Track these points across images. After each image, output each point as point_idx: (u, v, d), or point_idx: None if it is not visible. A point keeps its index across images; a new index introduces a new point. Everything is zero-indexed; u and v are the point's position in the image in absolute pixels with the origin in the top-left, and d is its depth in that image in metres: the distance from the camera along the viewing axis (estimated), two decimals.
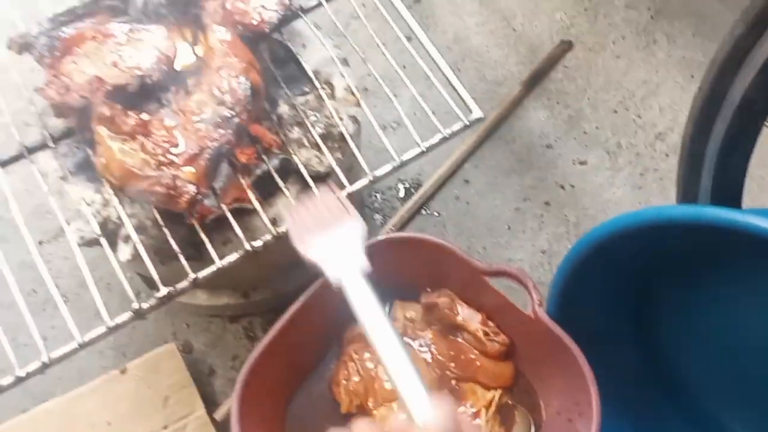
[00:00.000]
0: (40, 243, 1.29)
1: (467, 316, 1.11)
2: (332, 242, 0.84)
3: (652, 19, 1.52)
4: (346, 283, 0.78)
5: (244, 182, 0.91)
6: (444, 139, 0.92)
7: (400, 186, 1.36)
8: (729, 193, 0.97)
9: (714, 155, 0.93)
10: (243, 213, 0.97)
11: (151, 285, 1.17)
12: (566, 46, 1.49)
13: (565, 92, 1.45)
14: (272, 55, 1.03)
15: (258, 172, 1.00)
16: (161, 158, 0.83)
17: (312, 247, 0.84)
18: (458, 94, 0.95)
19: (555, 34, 1.50)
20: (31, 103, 0.92)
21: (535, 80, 1.45)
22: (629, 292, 1.06)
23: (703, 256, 0.94)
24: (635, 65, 1.48)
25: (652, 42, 1.50)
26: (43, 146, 0.89)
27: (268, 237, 0.86)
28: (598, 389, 0.97)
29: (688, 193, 0.99)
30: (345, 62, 1.05)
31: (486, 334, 1.10)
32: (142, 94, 0.88)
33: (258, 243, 0.85)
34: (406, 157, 0.90)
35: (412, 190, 1.35)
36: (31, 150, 0.89)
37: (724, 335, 1.00)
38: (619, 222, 0.88)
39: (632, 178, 1.38)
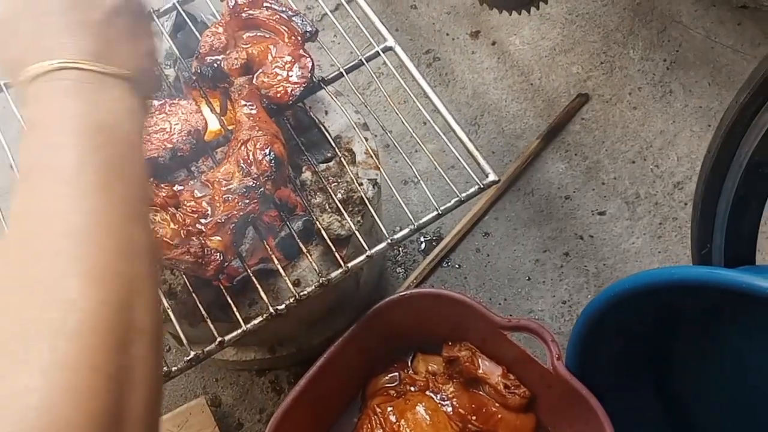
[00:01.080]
0: None
1: (488, 369, 1.14)
2: None
3: (668, 70, 1.55)
4: None
5: (268, 245, 0.95)
6: (459, 202, 0.95)
7: (422, 239, 1.40)
8: (742, 251, 0.99)
9: (725, 214, 0.95)
10: (267, 274, 1.01)
11: (179, 341, 1.21)
12: (583, 99, 1.52)
13: (582, 144, 1.48)
14: (296, 121, 1.08)
15: (282, 234, 1.04)
16: (190, 228, 0.87)
17: None
18: (473, 158, 0.98)
19: (572, 88, 1.54)
20: None
21: (553, 133, 1.48)
22: (646, 343, 1.07)
23: (717, 309, 0.96)
24: (652, 116, 1.50)
25: (668, 92, 1.53)
26: None
27: (291, 300, 0.90)
28: None
29: (702, 250, 1.01)
30: (365, 127, 1.10)
31: (507, 386, 1.12)
32: (173, 165, 0.94)
33: (281, 307, 0.89)
34: (422, 221, 0.94)
35: (434, 243, 1.39)
36: None
37: (741, 384, 1.01)
38: (632, 282, 0.90)
39: (651, 227, 1.39)
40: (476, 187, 0.96)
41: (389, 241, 0.93)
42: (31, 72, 0.51)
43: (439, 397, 1.15)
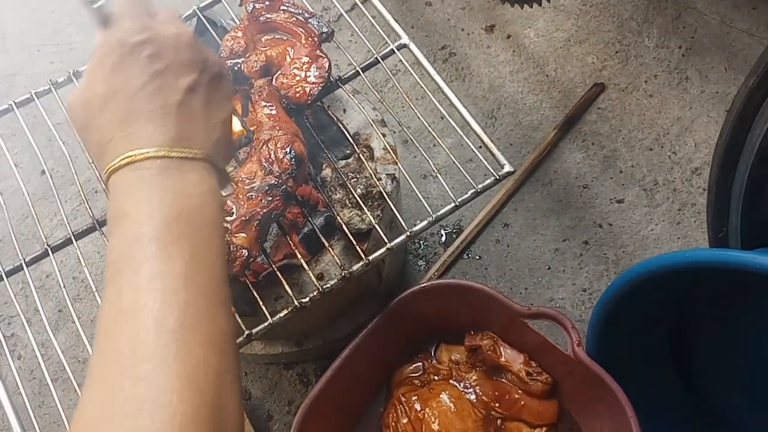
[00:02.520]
0: None
1: (510, 357, 1.16)
2: None
3: (683, 57, 1.55)
4: None
5: (292, 241, 0.99)
6: (476, 194, 0.98)
7: (442, 232, 1.42)
8: (758, 233, 1.00)
9: (740, 198, 0.96)
10: (292, 269, 1.04)
11: None
12: (599, 88, 1.53)
13: (599, 133, 1.49)
14: (315, 120, 1.11)
15: (305, 230, 1.08)
16: None
17: None
18: (489, 150, 1.00)
19: (587, 78, 1.55)
20: (100, 180, 1.02)
21: (569, 123, 1.50)
22: (665, 327, 1.09)
23: (735, 290, 0.97)
24: (668, 103, 1.51)
25: (684, 79, 1.53)
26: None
27: (315, 293, 0.93)
28: (639, 425, 1.00)
29: (718, 234, 1.03)
30: (382, 123, 1.12)
31: (529, 374, 1.14)
32: None
33: (305, 300, 0.92)
34: (440, 212, 0.96)
35: (454, 236, 1.41)
36: (102, 223, 0.98)
37: (761, 367, 1.02)
38: (648, 265, 0.92)
39: (670, 214, 1.40)
40: (492, 178, 0.98)
41: (408, 233, 0.96)
42: (116, 163, 0.53)
43: (462, 386, 1.17)
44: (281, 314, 0.92)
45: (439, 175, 0.99)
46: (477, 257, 1.39)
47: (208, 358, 0.47)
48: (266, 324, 0.91)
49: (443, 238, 1.42)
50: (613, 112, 1.51)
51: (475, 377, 1.17)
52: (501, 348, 1.16)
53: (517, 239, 1.40)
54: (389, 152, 1.09)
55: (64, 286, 0.96)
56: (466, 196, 0.98)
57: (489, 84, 1.58)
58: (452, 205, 0.97)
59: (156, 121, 0.55)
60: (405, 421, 1.13)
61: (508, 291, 1.34)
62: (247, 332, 0.91)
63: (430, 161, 1.00)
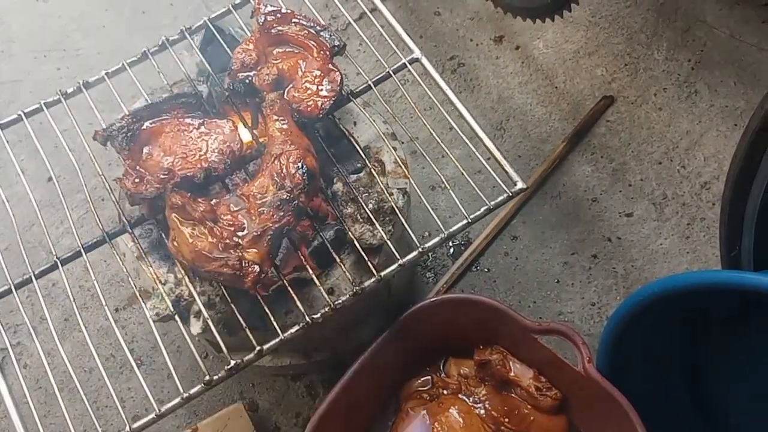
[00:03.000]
0: (116, 310, 1.39)
1: (519, 372, 1.15)
2: None
3: (693, 70, 1.55)
4: None
5: (302, 255, 0.98)
6: (488, 211, 0.97)
7: (450, 244, 1.42)
8: None
9: (753, 217, 0.96)
10: (301, 282, 1.04)
11: (218, 349, 1.25)
12: (608, 101, 1.53)
13: (608, 146, 1.49)
14: (325, 133, 1.11)
15: (315, 243, 1.07)
16: (228, 241, 0.90)
17: None
18: (501, 166, 1.00)
19: (596, 90, 1.55)
20: (110, 189, 1.01)
21: (578, 136, 1.49)
22: (676, 344, 1.08)
23: (748, 312, 0.97)
24: (678, 116, 1.51)
25: (693, 93, 1.53)
26: (121, 231, 0.98)
27: (326, 309, 0.92)
28: None
29: (730, 252, 1.02)
30: (393, 136, 1.12)
31: (538, 389, 1.14)
32: (209, 181, 0.97)
33: (317, 315, 0.92)
34: (452, 229, 0.96)
35: (462, 248, 1.41)
36: (111, 235, 0.98)
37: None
38: (663, 285, 0.92)
39: (679, 228, 1.40)
40: (505, 195, 0.98)
41: (420, 249, 0.95)
42: None
43: (471, 400, 1.16)
44: (292, 330, 0.92)
45: (449, 189, 0.98)
46: (485, 270, 1.39)
47: None
48: (277, 340, 0.91)
49: (451, 250, 1.41)
50: (623, 125, 1.51)
51: (484, 392, 1.17)
52: (510, 363, 1.15)
53: (525, 252, 1.39)
54: (400, 166, 1.09)
55: (74, 299, 0.95)
56: (478, 212, 0.97)
57: (498, 95, 1.58)
58: (465, 222, 0.97)
59: None
60: None
61: (516, 304, 1.34)
62: (258, 348, 0.90)
63: (439, 173, 1.00)
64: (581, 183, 1.45)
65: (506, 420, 1.14)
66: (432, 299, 1.14)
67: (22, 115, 1.08)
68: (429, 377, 1.20)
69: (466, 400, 1.17)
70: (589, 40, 1.61)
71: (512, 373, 1.15)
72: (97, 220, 0.99)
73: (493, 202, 0.97)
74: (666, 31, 1.60)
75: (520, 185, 0.98)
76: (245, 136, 1.04)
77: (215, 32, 1.14)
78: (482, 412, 1.15)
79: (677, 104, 1.52)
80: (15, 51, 1.81)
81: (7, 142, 1.08)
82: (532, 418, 1.14)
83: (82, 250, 0.98)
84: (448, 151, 1.01)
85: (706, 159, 1.46)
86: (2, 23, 1.85)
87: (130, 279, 0.96)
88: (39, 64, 1.77)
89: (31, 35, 1.82)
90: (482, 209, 0.97)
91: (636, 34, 1.61)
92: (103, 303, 0.95)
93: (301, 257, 0.99)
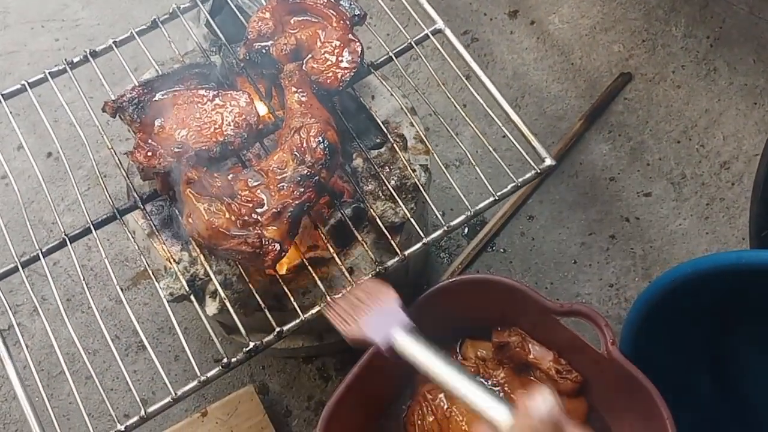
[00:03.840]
0: (121, 290, 1.35)
1: (539, 354, 1.12)
2: (373, 317, 0.87)
3: (711, 48, 1.51)
4: (398, 344, 0.81)
5: (322, 233, 0.94)
6: (516, 188, 0.94)
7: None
8: None
9: None
10: (319, 261, 1.00)
11: (229, 330, 1.21)
12: (626, 78, 1.49)
13: (626, 124, 1.45)
14: (342, 107, 1.07)
15: (332, 221, 1.03)
16: (246, 218, 0.86)
17: (358, 327, 0.86)
18: (527, 139, 0.96)
19: (614, 67, 1.51)
20: (119, 163, 0.97)
21: (595, 113, 1.46)
22: (703, 328, 1.06)
23: None
24: (696, 94, 1.47)
25: (712, 70, 1.49)
26: (132, 208, 0.94)
27: (347, 290, 0.89)
28: (675, 427, 0.97)
29: (761, 232, 0.99)
30: (413, 111, 1.08)
31: (558, 371, 1.11)
32: (224, 155, 0.92)
33: (339, 296, 0.88)
34: (479, 207, 0.92)
35: (477, 228, 1.37)
36: (122, 212, 0.94)
37: None
38: (695, 265, 0.89)
39: (698, 208, 1.37)
40: (533, 172, 0.94)
41: (446, 227, 0.92)
42: None
43: (490, 383, 1.14)
44: (313, 311, 0.88)
45: (476, 165, 0.94)
46: (501, 250, 1.35)
47: None
48: (297, 321, 0.87)
49: (466, 230, 1.38)
50: (640, 103, 1.47)
51: (502, 374, 1.14)
52: (530, 345, 1.13)
53: (542, 232, 1.36)
54: (421, 141, 1.05)
55: (83, 278, 0.91)
56: (505, 189, 0.94)
57: (513, 71, 1.53)
58: (491, 199, 0.93)
59: None
60: (431, 419, 1.10)
61: (533, 285, 1.31)
62: (278, 329, 0.87)
63: (463, 147, 0.96)
64: (598, 162, 1.42)
65: None
66: (451, 279, 1.11)
67: (26, 85, 1.02)
68: None
69: (485, 382, 1.14)
70: (606, 16, 1.57)
71: (531, 356, 1.12)
72: (107, 195, 0.95)
73: (520, 179, 0.93)
74: (684, 7, 1.57)
75: (548, 161, 0.94)
76: (261, 108, 1.00)
77: (229, 2, 1.09)
78: (501, 395, 1.13)
79: (696, 82, 1.49)
80: (10, 21, 1.74)
81: (10, 113, 1.03)
82: None
83: (91, 227, 0.94)
84: (471, 124, 0.97)
85: (725, 138, 1.43)
86: None
87: (141, 257, 0.92)
88: (36, 35, 1.71)
89: (27, 5, 1.76)
90: (509, 186, 0.93)
91: (653, 9, 1.57)
92: (114, 281, 0.91)
93: (322, 236, 0.95)
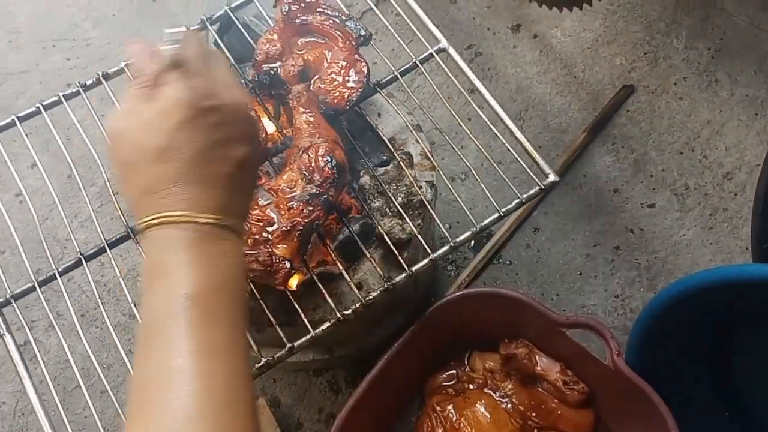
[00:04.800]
0: (134, 304, 1.37)
1: (546, 365, 1.14)
2: None
3: (712, 59, 1.53)
4: None
5: (331, 249, 0.96)
6: (520, 204, 0.95)
7: None
8: None
9: None
10: (329, 277, 1.02)
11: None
12: (628, 91, 1.51)
13: (629, 136, 1.47)
14: (349, 125, 1.09)
15: (340, 236, 1.05)
16: (257, 236, 0.88)
17: None
18: (530, 156, 0.98)
19: (616, 79, 1.53)
20: None
21: (599, 126, 1.48)
22: (707, 340, 1.07)
23: None
24: (698, 106, 1.49)
25: (713, 82, 1.51)
26: None
27: (357, 305, 0.91)
28: None
29: (763, 244, 1.01)
30: (418, 128, 1.10)
31: (566, 383, 1.12)
32: None
33: (348, 312, 0.90)
34: (484, 223, 0.94)
35: (484, 240, 1.39)
36: (136, 231, 0.96)
37: None
38: (701, 278, 0.90)
39: (702, 219, 1.39)
40: (537, 188, 0.96)
41: (452, 243, 0.94)
42: (162, 218, 0.54)
43: (498, 395, 1.15)
44: (323, 327, 0.90)
45: (480, 181, 0.96)
46: (507, 262, 1.37)
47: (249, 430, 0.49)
48: (308, 337, 0.89)
49: (473, 243, 1.40)
50: (643, 115, 1.49)
51: (510, 386, 1.15)
52: (537, 356, 1.14)
53: (548, 244, 1.38)
54: (427, 158, 1.07)
55: (99, 297, 0.93)
56: (510, 206, 0.95)
57: (516, 85, 1.56)
58: (496, 215, 0.95)
59: (208, 188, 0.56)
60: (440, 430, 1.12)
61: (539, 297, 1.32)
62: (289, 345, 0.88)
63: (467, 162, 0.98)
64: (602, 174, 1.44)
65: (533, 414, 1.13)
66: (458, 293, 1.13)
67: (41, 107, 1.05)
68: (454, 371, 1.19)
69: (492, 394, 1.15)
70: (608, 29, 1.59)
71: (539, 367, 1.14)
72: (120, 211, 0.97)
73: (525, 195, 0.95)
74: (685, 20, 1.58)
75: (552, 177, 0.96)
76: (269, 127, 1.02)
77: (236, 21, 1.11)
78: (509, 406, 1.14)
79: (697, 93, 1.50)
80: (22, 41, 1.78)
81: (26, 135, 1.05)
82: (559, 412, 1.13)
83: (106, 246, 0.96)
84: (474, 139, 0.99)
85: (727, 149, 1.44)
86: (8, 13, 1.82)
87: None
88: (47, 55, 1.74)
89: (38, 25, 1.79)
90: (514, 203, 0.95)
91: (655, 22, 1.59)
92: (128, 297, 0.94)
93: (331, 252, 0.97)
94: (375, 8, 1.09)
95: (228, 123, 0.59)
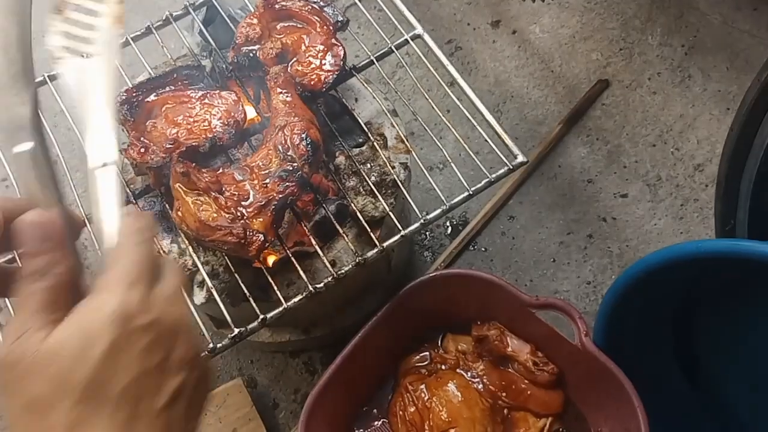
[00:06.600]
0: None
1: (517, 347, 1.17)
2: None
3: (686, 55, 1.57)
4: None
5: (306, 228, 0.99)
6: (489, 183, 0.98)
7: (448, 224, 1.43)
8: (765, 226, 1.01)
9: (748, 191, 0.98)
10: (304, 255, 1.05)
11: (219, 324, 1.25)
12: (603, 85, 1.55)
13: (603, 129, 1.50)
14: (327, 109, 1.12)
15: (316, 217, 1.08)
16: (232, 211, 0.91)
17: None
18: (502, 139, 1.01)
19: (592, 74, 1.57)
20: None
21: (574, 118, 1.51)
22: (672, 318, 1.10)
23: (741, 284, 0.99)
24: (672, 100, 1.53)
25: (687, 77, 1.55)
26: (126, 203, 0.99)
27: (329, 279, 0.93)
28: (646, 415, 1.01)
29: (725, 227, 1.04)
30: (394, 113, 1.13)
31: (535, 364, 1.15)
32: (213, 152, 0.97)
33: (320, 285, 0.93)
34: (454, 201, 0.97)
35: (460, 227, 1.42)
36: None
37: (763, 359, 1.03)
38: (660, 255, 0.93)
39: (673, 209, 1.42)
40: (505, 168, 0.99)
41: (422, 220, 0.96)
42: None
43: (469, 375, 1.18)
44: (296, 299, 0.92)
45: (453, 164, 0.99)
46: (483, 249, 1.40)
47: None
48: (281, 308, 0.92)
49: (449, 230, 1.43)
50: (617, 108, 1.53)
51: (482, 367, 1.18)
52: (508, 338, 1.17)
53: (522, 232, 1.41)
54: (402, 141, 1.10)
55: None
56: (479, 185, 0.98)
57: (495, 78, 1.59)
58: (466, 194, 0.98)
59: (132, 429, 0.46)
60: (412, 409, 1.14)
61: (513, 282, 1.34)
62: (262, 317, 0.91)
63: (443, 149, 1.01)
64: (577, 164, 1.47)
65: (503, 394, 1.16)
66: (431, 274, 1.15)
67: None
68: (427, 353, 1.21)
69: (464, 374, 1.18)
70: (585, 25, 1.63)
71: (509, 349, 1.16)
72: None
73: (494, 175, 0.98)
74: (660, 17, 1.62)
75: (520, 158, 0.99)
76: (249, 111, 1.05)
77: (220, 9, 1.14)
78: (480, 386, 1.17)
79: (671, 88, 1.54)
80: None
81: None
82: (529, 392, 1.15)
83: (86, 220, 0.98)
84: (452, 129, 1.02)
85: (699, 142, 1.48)
86: None
87: None
88: (34, 43, 1.76)
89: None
90: (483, 182, 0.98)
91: (630, 19, 1.63)
92: None
93: (306, 230, 1.00)
94: (359, 3, 1.13)
95: (163, 343, 0.48)
